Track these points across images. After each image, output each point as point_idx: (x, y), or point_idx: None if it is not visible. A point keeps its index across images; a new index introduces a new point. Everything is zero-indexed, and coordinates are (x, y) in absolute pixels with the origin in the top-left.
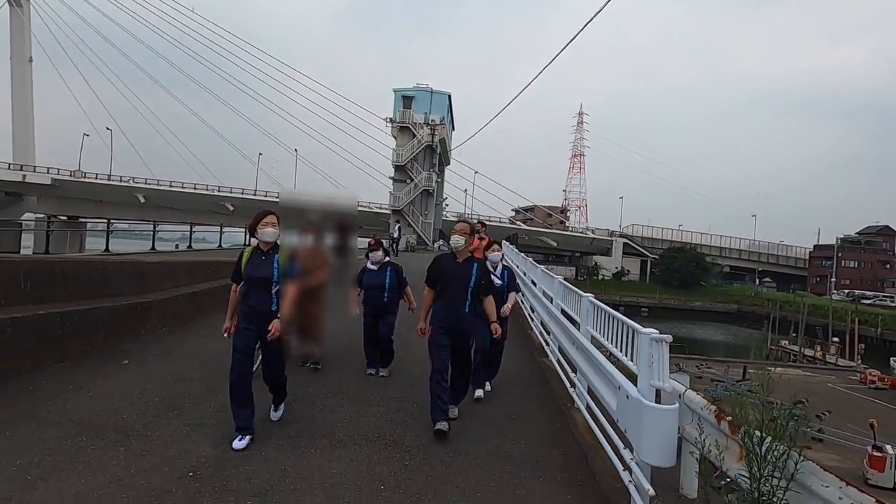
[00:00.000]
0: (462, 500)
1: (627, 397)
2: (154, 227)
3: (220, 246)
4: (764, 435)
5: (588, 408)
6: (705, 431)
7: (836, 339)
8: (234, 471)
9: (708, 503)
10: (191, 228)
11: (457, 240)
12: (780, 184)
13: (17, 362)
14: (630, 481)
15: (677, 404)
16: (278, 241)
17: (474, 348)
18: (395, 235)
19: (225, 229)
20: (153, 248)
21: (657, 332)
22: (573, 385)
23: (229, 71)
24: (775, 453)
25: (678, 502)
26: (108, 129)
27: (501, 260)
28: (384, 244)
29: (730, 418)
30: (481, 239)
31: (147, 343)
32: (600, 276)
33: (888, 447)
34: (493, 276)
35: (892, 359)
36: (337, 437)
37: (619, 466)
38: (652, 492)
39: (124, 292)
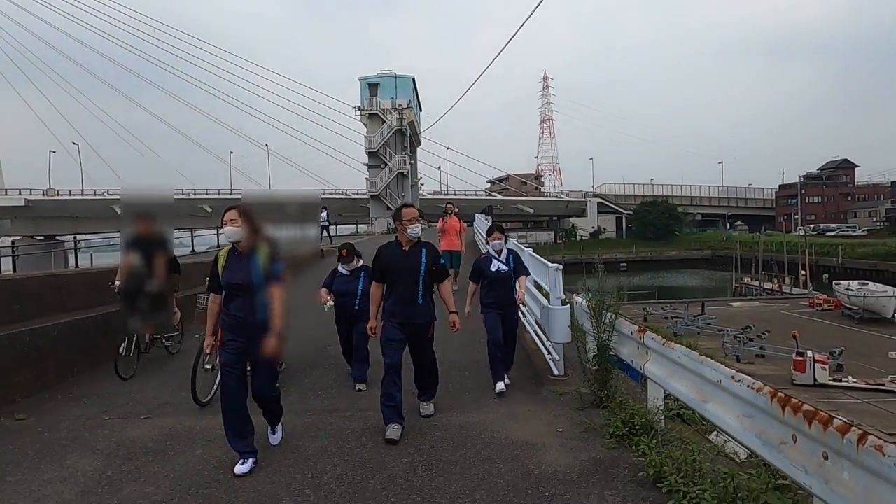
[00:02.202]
0: (446, 385)
1: (543, 307)
2: None
3: (217, 246)
4: (598, 308)
5: (535, 331)
6: (588, 321)
7: (803, 272)
8: (308, 379)
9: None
10: (192, 234)
11: (416, 229)
12: (744, 129)
13: None
14: (550, 359)
15: (568, 306)
16: (249, 240)
17: (495, 342)
18: (324, 222)
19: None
20: None
21: (558, 265)
22: (525, 315)
23: (192, 73)
24: (605, 316)
25: (583, 371)
26: (74, 143)
27: (505, 244)
28: (357, 250)
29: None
30: (448, 215)
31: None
32: (578, 237)
33: (808, 352)
34: (498, 262)
35: (834, 282)
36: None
37: (545, 352)
38: (557, 357)
39: (177, 288)
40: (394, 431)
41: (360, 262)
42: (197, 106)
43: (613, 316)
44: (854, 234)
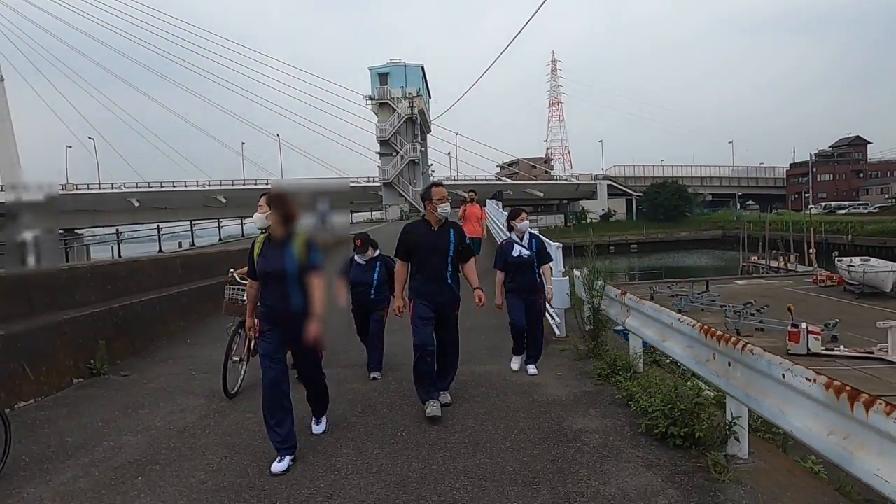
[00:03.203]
0: (466, 343)
1: None
2: (191, 227)
3: (242, 236)
4: (591, 278)
5: None
6: (584, 290)
7: (812, 249)
8: (348, 347)
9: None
10: (218, 224)
11: (446, 209)
12: (755, 108)
13: (193, 316)
14: (553, 323)
15: (567, 277)
16: (281, 228)
17: (518, 329)
18: None
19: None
20: (192, 244)
21: (559, 244)
22: None
23: (202, 65)
24: (596, 285)
25: (579, 331)
26: (90, 138)
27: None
28: (372, 240)
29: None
30: (468, 203)
31: None
32: (588, 220)
33: (802, 324)
34: (520, 248)
35: (836, 259)
36: None
37: (549, 318)
38: (559, 320)
39: (224, 272)
40: (434, 408)
41: (377, 252)
42: (208, 98)
43: (603, 284)
44: (865, 211)
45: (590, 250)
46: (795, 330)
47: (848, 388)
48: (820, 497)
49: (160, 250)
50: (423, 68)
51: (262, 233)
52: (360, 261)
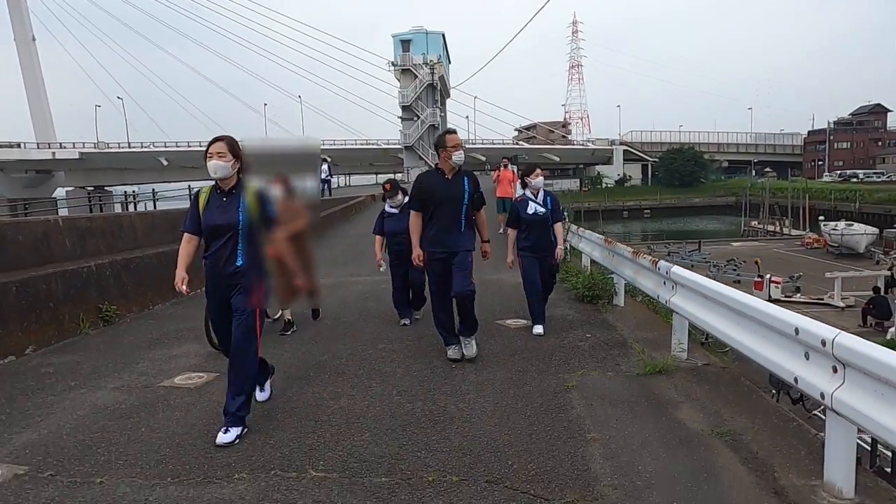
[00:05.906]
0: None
1: None
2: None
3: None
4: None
5: None
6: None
7: (821, 217)
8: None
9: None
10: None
11: (460, 156)
12: (778, 72)
13: None
14: None
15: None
16: (242, 180)
17: (533, 287)
18: (325, 176)
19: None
20: None
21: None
22: None
23: (223, 25)
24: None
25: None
26: (118, 98)
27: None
28: (401, 185)
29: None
30: (504, 168)
31: None
32: (603, 185)
33: (767, 276)
34: (535, 205)
35: (822, 224)
36: None
37: None
38: None
39: None
40: (454, 351)
41: (407, 198)
42: (231, 58)
43: (570, 224)
44: (879, 179)
45: (567, 213)
46: (760, 280)
47: (635, 249)
48: (644, 316)
49: None
50: (443, 35)
51: (215, 182)
52: (391, 209)
